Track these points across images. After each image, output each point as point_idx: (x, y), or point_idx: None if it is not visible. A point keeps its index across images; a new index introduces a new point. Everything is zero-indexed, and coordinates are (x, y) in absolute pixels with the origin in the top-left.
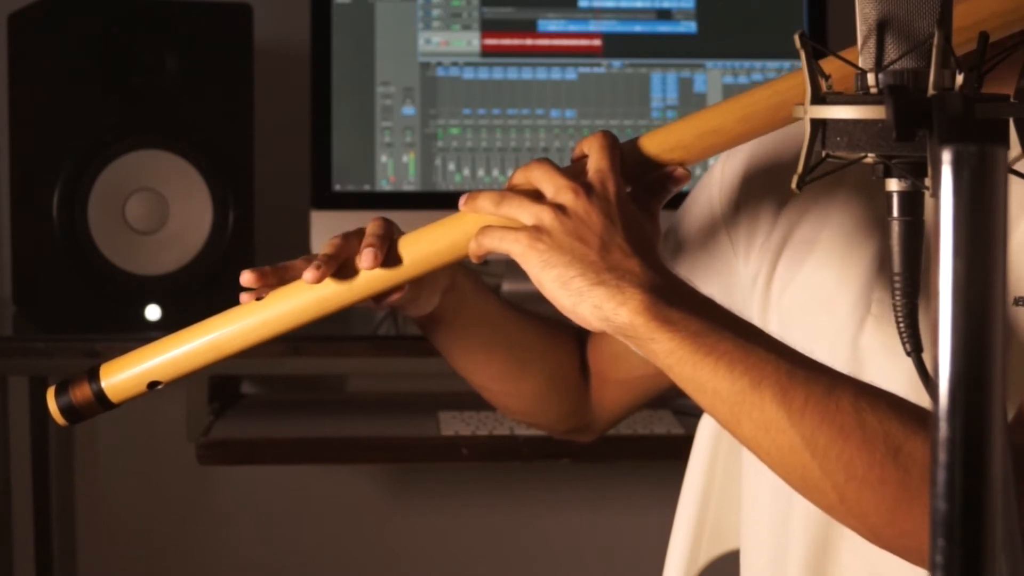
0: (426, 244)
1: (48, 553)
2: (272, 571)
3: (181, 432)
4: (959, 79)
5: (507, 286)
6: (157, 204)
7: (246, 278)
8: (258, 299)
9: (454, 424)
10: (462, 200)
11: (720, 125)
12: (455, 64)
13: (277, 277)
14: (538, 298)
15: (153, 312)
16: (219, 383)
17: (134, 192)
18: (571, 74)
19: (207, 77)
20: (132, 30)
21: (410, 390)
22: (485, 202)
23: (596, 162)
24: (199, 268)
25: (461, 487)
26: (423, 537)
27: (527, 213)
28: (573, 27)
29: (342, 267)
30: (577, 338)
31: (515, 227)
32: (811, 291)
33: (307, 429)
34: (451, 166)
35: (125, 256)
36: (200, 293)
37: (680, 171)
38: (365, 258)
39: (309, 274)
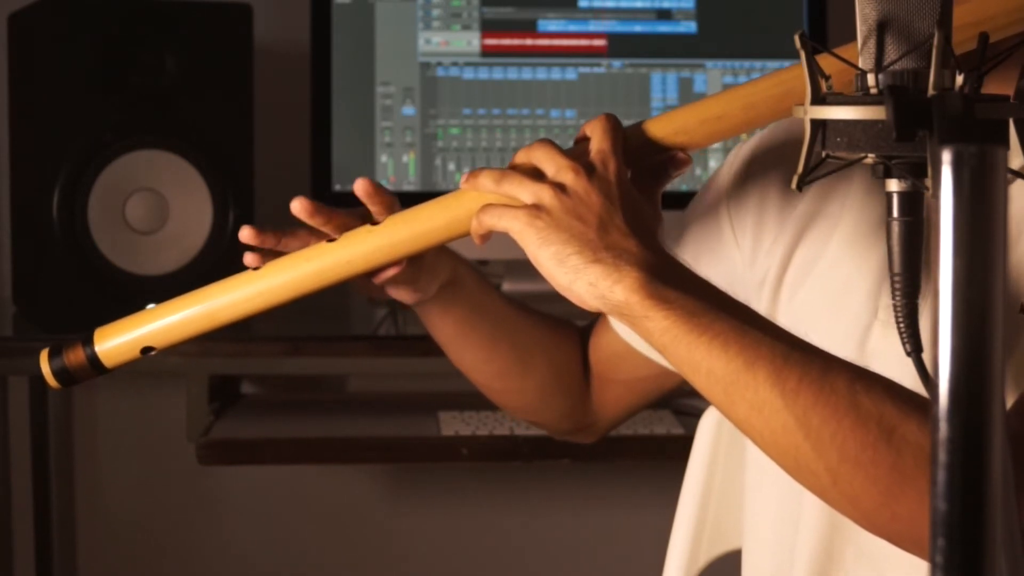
0: (426, 219)
1: (48, 553)
2: (272, 571)
3: (181, 432)
4: (959, 79)
5: (507, 285)
6: (157, 204)
7: (245, 233)
8: (255, 269)
9: (454, 424)
10: (463, 178)
11: (724, 112)
12: (455, 64)
13: (276, 238)
14: (539, 298)
15: None
16: (219, 383)
17: (134, 192)
18: (571, 74)
19: (207, 77)
20: (132, 30)
21: (410, 390)
22: (486, 180)
23: (598, 143)
24: (199, 268)
25: (461, 487)
26: (423, 537)
27: (527, 191)
28: (573, 27)
29: (341, 240)
30: (580, 338)
31: (515, 205)
32: (820, 295)
33: (307, 429)
34: (451, 166)
35: (125, 256)
36: None
37: (682, 156)
38: (359, 185)
39: (297, 203)
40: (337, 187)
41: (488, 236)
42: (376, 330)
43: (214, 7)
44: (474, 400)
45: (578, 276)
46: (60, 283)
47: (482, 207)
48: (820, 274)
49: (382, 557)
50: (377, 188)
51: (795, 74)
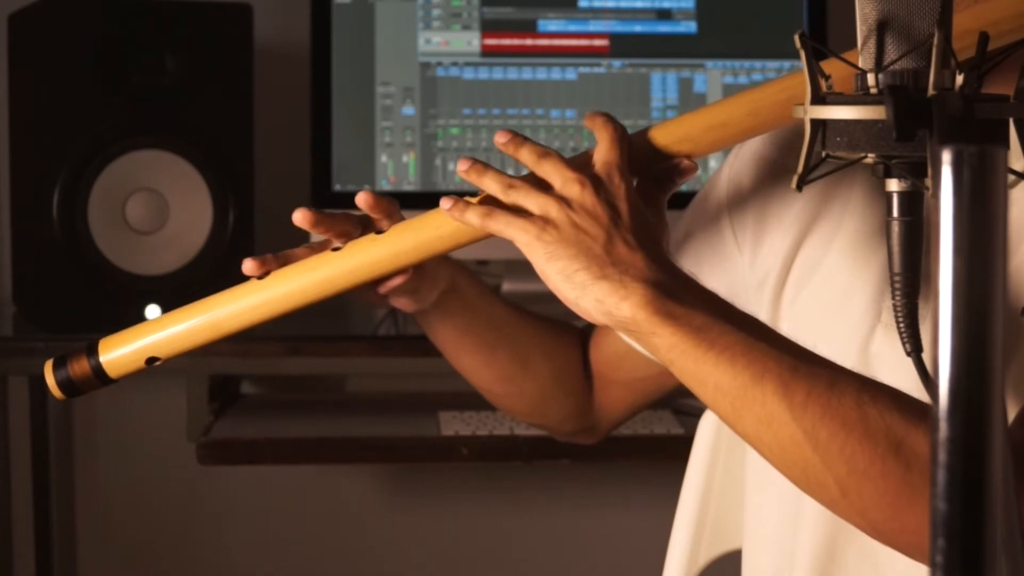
0: (431, 228)
1: (48, 553)
2: (272, 571)
3: (181, 432)
4: (959, 79)
5: (507, 286)
6: (157, 204)
7: (248, 266)
8: (259, 279)
9: (454, 424)
10: (463, 166)
11: (729, 119)
12: (455, 64)
13: (279, 264)
14: (539, 298)
15: (153, 312)
16: (219, 383)
17: (134, 192)
18: (571, 74)
19: (207, 77)
20: (132, 30)
21: (410, 390)
22: (492, 183)
23: (604, 154)
24: (199, 268)
25: (461, 487)
26: (423, 537)
27: (534, 203)
28: (573, 27)
29: (345, 249)
30: (580, 339)
31: (522, 215)
32: (823, 297)
33: (307, 429)
34: (451, 166)
35: (125, 256)
36: (200, 293)
37: (687, 163)
38: (361, 198)
39: (299, 214)
40: (337, 187)
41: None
42: (376, 330)
43: (214, 7)
44: (474, 400)
45: (585, 292)
46: (60, 283)
47: (489, 209)
48: (822, 277)
49: (382, 557)
50: (378, 199)
51: (800, 80)
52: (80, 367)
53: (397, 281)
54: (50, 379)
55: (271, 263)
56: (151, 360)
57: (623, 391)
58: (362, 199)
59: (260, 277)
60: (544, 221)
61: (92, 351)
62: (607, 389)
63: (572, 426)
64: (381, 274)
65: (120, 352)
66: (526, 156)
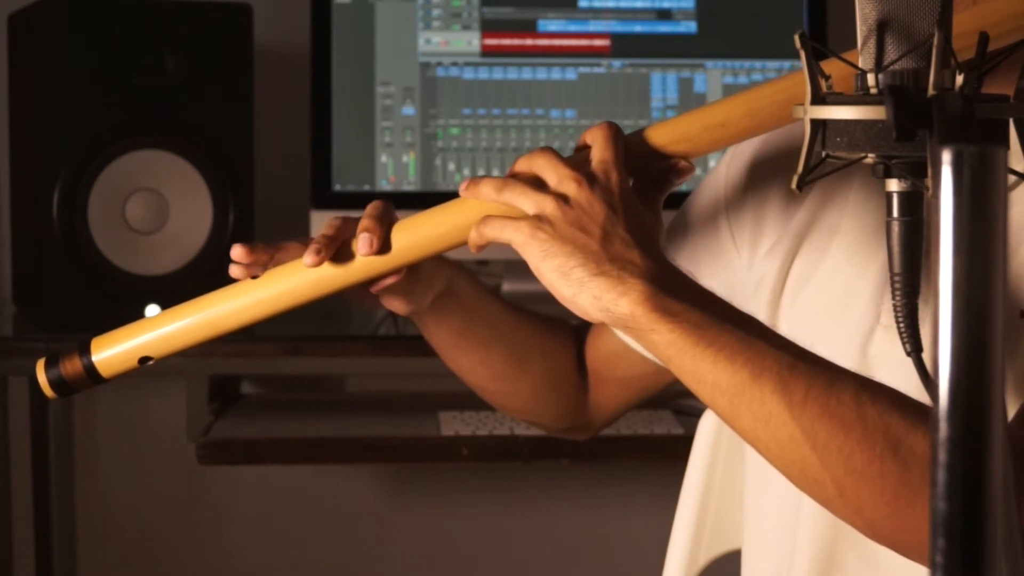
0: (426, 229)
1: (48, 553)
2: (272, 571)
3: (181, 432)
4: (959, 79)
5: (507, 286)
6: (157, 204)
7: (237, 252)
8: (253, 278)
9: (454, 424)
10: (463, 185)
11: (727, 119)
12: (455, 64)
13: (268, 254)
14: (538, 298)
15: (153, 312)
16: (219, 383)
17: (134, 192)
18: (571, 74)
19: (207, 77)
20: (132, 30)
21: (410, 390)
22: (487, 188)
23: (600, 152)
24: (199, 268)
25: (461, 487)
26: (423, 537)
27: (529, 201)
28: (573, 27)
29: (340, 248)
30: (575, 337)
31: (516, 217)
32: (821, 301)
33: (307, 429)
34: (451, 166)
35: (125, 256)
36: (200, 293)
37: (684, 164)
38: (361, 244)
39: (309, 258)
40: (337, 187)
41: (486, 246)
42: (376, 330)
43: (214, 7)
44: (474, 400)
45: (582, 289)
46: (60, 283)
47: (482, 219)
48: (821, 280)
49: (382, 557)
50: (377, 224)
51: (798, 80)
52: (72, 366)
53: (390, 281)
54: (42, 378)
55: (260, 252)
56: (144, 359)
57: (617, 389)
58: (364, 247)
59: (254, 276)
60: (539, 219)
61: (84, 350)
62: (601, 387)
63: (566, 423)
64: (376, 274)
65: (112, 351)
66: (486, 189)
